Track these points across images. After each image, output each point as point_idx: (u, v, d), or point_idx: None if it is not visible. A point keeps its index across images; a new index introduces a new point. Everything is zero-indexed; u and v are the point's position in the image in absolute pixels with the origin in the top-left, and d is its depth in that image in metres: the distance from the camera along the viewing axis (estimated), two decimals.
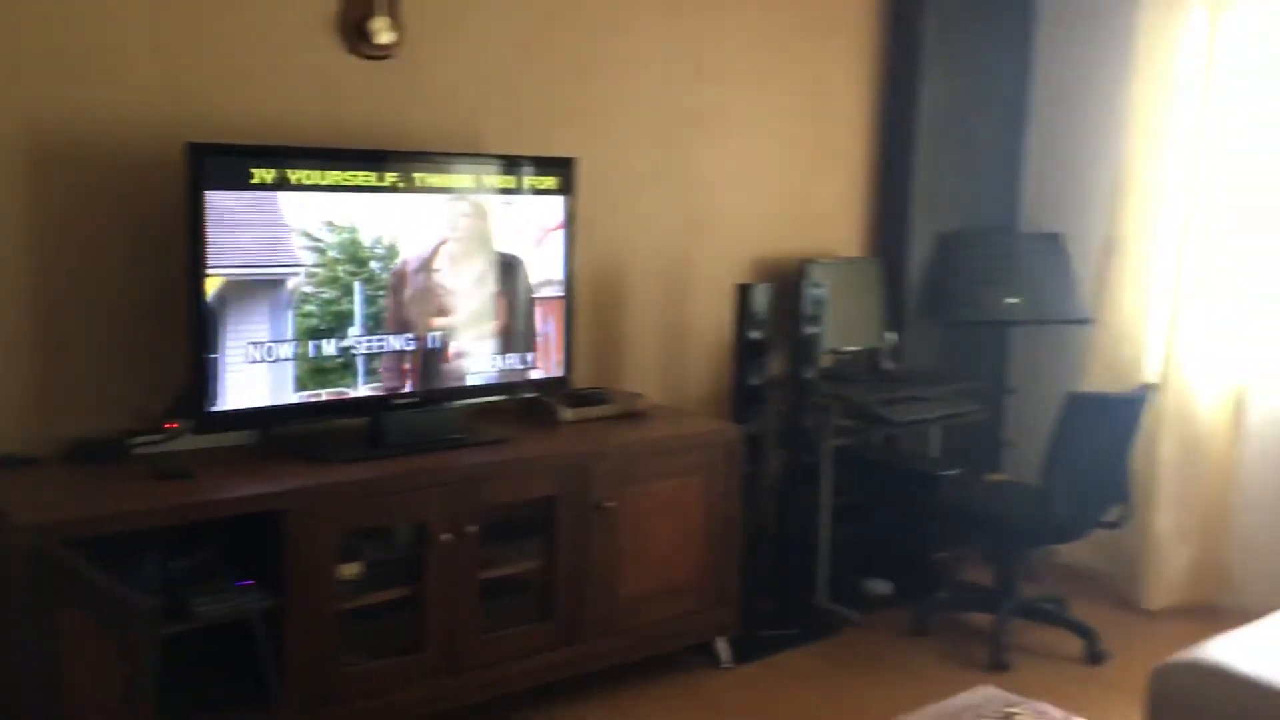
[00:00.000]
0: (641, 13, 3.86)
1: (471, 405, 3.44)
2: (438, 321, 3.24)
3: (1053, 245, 4.60)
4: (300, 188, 2.95)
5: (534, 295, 3.44)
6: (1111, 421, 3.74)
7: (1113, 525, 3.87)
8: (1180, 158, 4.18)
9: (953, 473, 4.21)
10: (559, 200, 3.46)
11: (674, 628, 3.55)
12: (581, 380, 3.71)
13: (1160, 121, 4.22)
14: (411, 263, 3.17)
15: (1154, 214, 4.26)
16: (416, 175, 3.16)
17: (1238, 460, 4.18)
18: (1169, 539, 4.22)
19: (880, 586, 4.25)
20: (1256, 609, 3.13)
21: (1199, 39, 4.11)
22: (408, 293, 3.17)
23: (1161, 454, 4.19)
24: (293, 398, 3.00)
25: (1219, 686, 2.55)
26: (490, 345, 3.37)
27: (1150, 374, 4.23)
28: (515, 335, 3.42)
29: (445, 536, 3.00)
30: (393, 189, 3.11)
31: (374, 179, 3.08)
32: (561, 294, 3.50)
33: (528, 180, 3.40)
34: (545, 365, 3.49)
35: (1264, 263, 4.10)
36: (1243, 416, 4.14)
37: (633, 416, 3.61)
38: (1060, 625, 3.95)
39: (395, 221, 3.13)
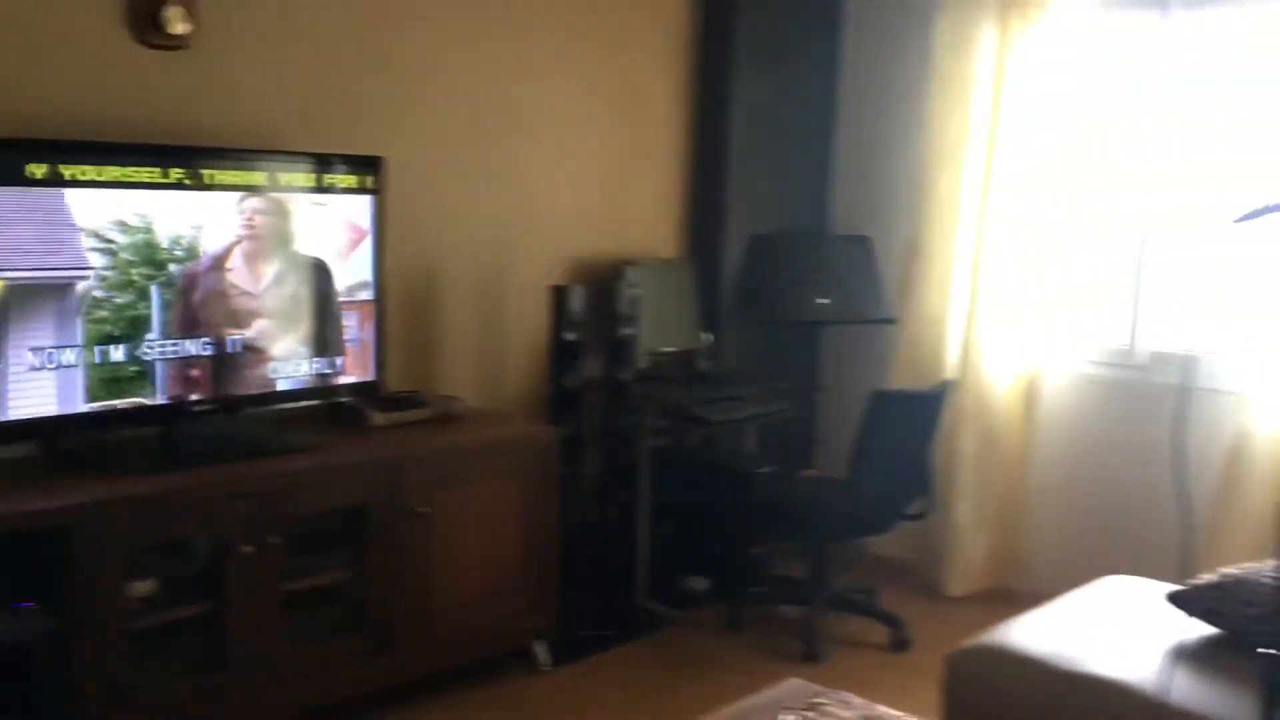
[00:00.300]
0: (452, 8, 3.81)
1: (278, 412, 3.33)
2: (235, 325, 3.12)
3: (861, 247, 4.75)
4: (82, 184, 2.79)
5: (342, 297, 3.35)
6: (913, 417, 3.89)
7: (917, 517, 4.03)
8: (975, 163, 4.38)
9: (767, 470, 4.30)
10: (367, 200, 3.38)
11: (491, 633, 3.51)
12: (395, 384, 3.63)
13: (956, 129, 4.41)
14: (203, 263, 3.04)
15: (952, 217, 4.45)
16: (206, 172, 3.02)
17: (1030, 452, 4.40)
18: (968, 528, 4.41)
19: (698, 583, 4.30)
20: (1048, 592, 3.30)
21: (990, 53, 4.32)
22: (198, 295, 3.03)
23: (961, 447, 4.38)
24: (83, 407, 2.84)
25: (1008, 667, 2.67)
26: (296, 349, 3.26)
27: (950, 371, 4.42)
28: (322, 339, 3.32)
29: (246, 549, 2.89)
30: (179, 186, 2.97)
31: (159, 175, 2.93)
32: (372, 296, 3.42)
33: (333, 179, 3.30)
34: (356, 369, 3.41)
35: (1047, 265, 4.33)
36: (1034, 411, 4.37)
37: (448, 420, 3.56)
38: (869, 615, 4.09)
39: (191, 221, 3.00)
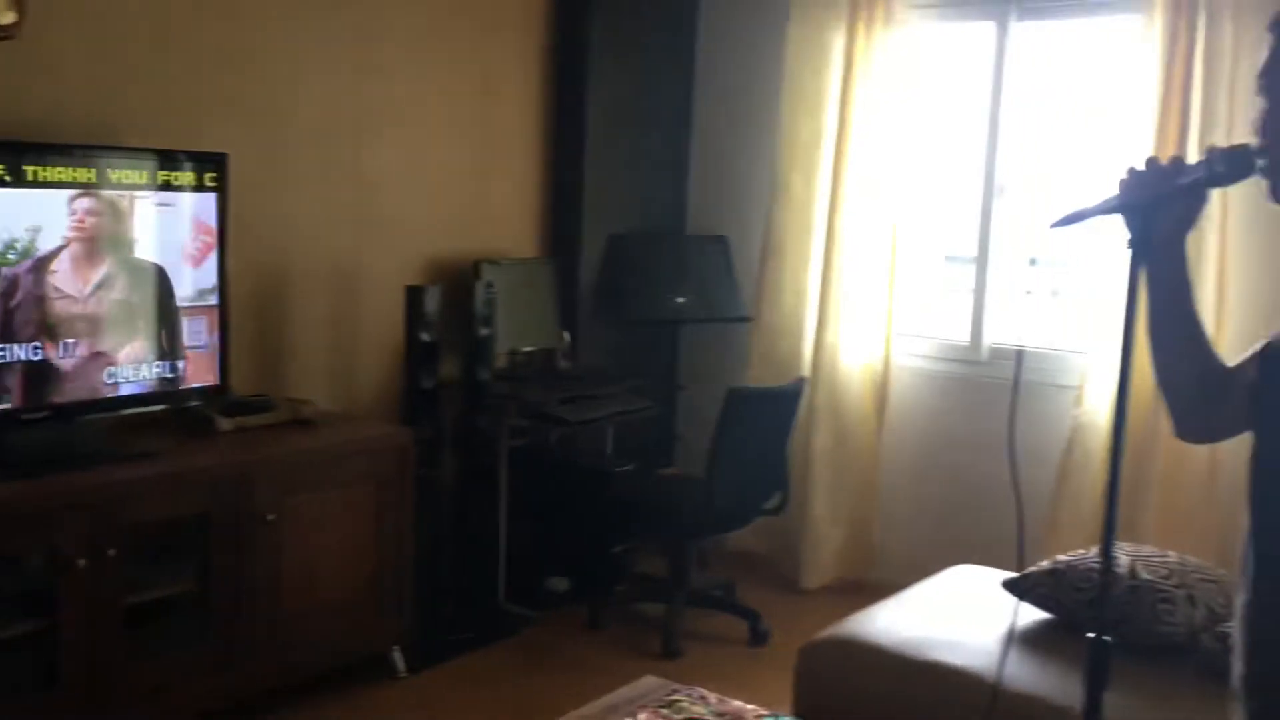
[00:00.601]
0: (299, 2, 3.72)
1: (118, 418, 3.19)
2: (61, 330, 2.97)
3: (718, 247, 4.81)
4: None
5: (185, 299, 3.24)
6: (769, 414, 3.96)
7: (773, 512, 4.10)
8: (827, 165, 4.47)
9: (626, 468, 4.32)
10: (211, 198, 3.27)
11: (346, 641, 3.44)
12: (244, 387, 3.53)
13: (809, 132, 4.50)
14: (24, 266, 2.88)
15: (806, 218, 4.54)
16: (30, 169, 2.87)
17: (881, 447, 4.52)
18: (823, 522, 4.51)
19: (559, 583, 4.30)
20: (899, 582, 3.40)
21: (840, 59, 4.42)
22: (17, 299, 2.87)
23: (816, 443, 4.48)
24: None
25: (856, 657, 2.75)
26: (135, 353, 3.14)
27: (805, 368, 4.51)
28: (163, 342, 3.20)
29: (81, 562, 2.77)
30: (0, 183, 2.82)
31: None
32: (216, 297, 3.31)
33: (173, 176, 3.18)
34: (200, 373, 3.30)
35: (896, 265, 4.45)
36: (885, 407, 4.49)
37: (298, 424, 3.47)
38: (728, 610, 4.15)
39: (23, 222, 2.85)
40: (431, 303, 3.75)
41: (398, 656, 3.60)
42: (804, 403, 4.26)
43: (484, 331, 3.95)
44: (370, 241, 4.00)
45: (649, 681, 2.68)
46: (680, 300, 4.64)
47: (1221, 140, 3.55)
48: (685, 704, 2.59)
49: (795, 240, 4.58)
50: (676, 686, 2.67)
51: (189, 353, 3.26)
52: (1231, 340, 3.63)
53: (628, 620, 4.13)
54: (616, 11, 4.60)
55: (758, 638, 4.01)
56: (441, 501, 3.92)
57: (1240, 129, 3.45)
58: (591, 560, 4.36)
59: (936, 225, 4.56)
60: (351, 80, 3.89)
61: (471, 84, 4.30)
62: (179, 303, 3.23)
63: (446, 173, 4.24)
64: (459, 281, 4.07)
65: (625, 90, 4.69)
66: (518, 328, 4.27)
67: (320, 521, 3.32)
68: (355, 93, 3.90)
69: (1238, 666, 1.49)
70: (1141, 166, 1.56)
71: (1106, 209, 1.59)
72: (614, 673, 3.57)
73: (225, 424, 3.32)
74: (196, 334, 3.28)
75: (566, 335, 4.45)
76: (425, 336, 3.75)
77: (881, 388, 4.47)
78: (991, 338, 4.40)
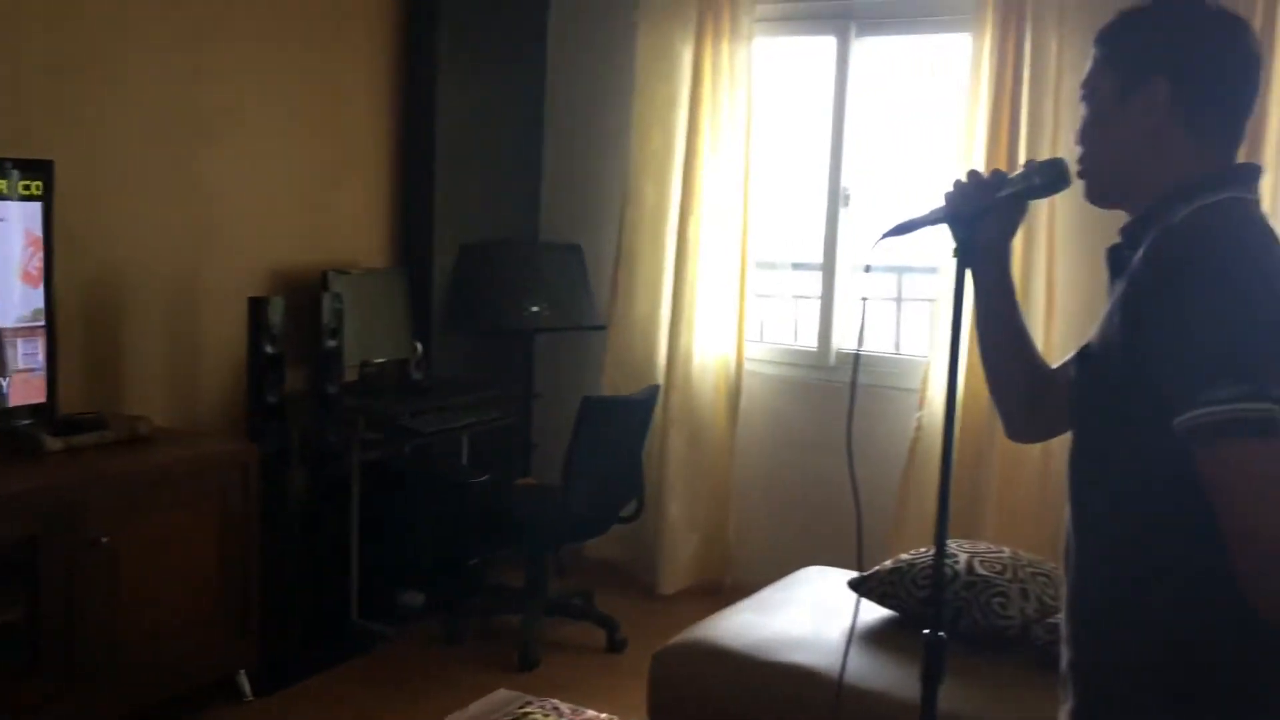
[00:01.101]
0: (132, 7, 3.58)
1: None
2: None
3: (571, 255, 4.81)
4: None
5: (20, 318, 3.08)
6: (623, 422, 3.98)
7: (630, 519, 4.12)
8: (679, 174, 4.52)
9: (482, 479, 4.28)
10: (34, 207, 3.12)
11: (189, 665, 3.31)
12: (74, 405, 3.37)
13: (660, 141, 4.55)
14: None
15: (659, 226, 4.59)
16: None
17: (735, 452, 4.58)
18: (679, 528, 4.55)
19: (414, 598, 4.23)
20: (754, 585, 3.44)
21: (689, 69, 4.47)
22: None
23: (670, 449, 4.52)
24: None
25: (707, 661, 2.78)
26: None
27: (659, 375, 4.55)
28: None
29: None
30: None
31: None
32: (41, 310, 3.15)
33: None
34: (25, 391, 3.13)
35: (748, 272, 4.52)
36: (738, 412, 4.55)
37: (134, 442, 3.33)
38: (586, 619, 4.14)
39: None
40: (276, 314, 3.65)
41: (244, 680, 3.48)
42: (658, 410, 4.29)
43: (331, 343, 3.86)
44: (210, 251, 3.87)
45: (501, 695, 2.66)
46: (534, 309, 4.62)
47: (1048, 151, 3.73)
48: (538, 716, 2.58)
49: (648, 248, 4.61)
50: (529, 699, 2.66)
51: (18, 373, 3.10)
52: (1060, 342, 3.81)
53: (485, 633, 4.09)
54: (466, 18, 4.57)
55: (615, 645, 4.02)
56: (290, 518, 3.82)
57: (1066, 139, 3.63)
58: (447, 573, 4.30)
59: (785, 233, 4.66)
60: (188, 84, 3.76)
61: (317, 89, 4.20)
62: (12, 322, 3.07)
63: (291, 180, 4.14)
64: (306, 292, 3.97)
65: (476, 97, 4.65)
66: (368, 339, 4.19)
67: (159, 543, 3.19)
68: (192, 97, 3.77)
69: (1065, 655, 1.56)
70: (965, 179, 1.63)
71: (933, 220, 1.65)
72: (470, 687, 3.53)
73: (53, 444, 3.16)
74: (31, 355, 3.12)
75: (419, 346, 4.38)
76: (270, 349, 3.64)
77: (734, 394, 4.53)
78: (839, 343, 4.51)
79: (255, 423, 3.66)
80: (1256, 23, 3.43)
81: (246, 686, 3.48)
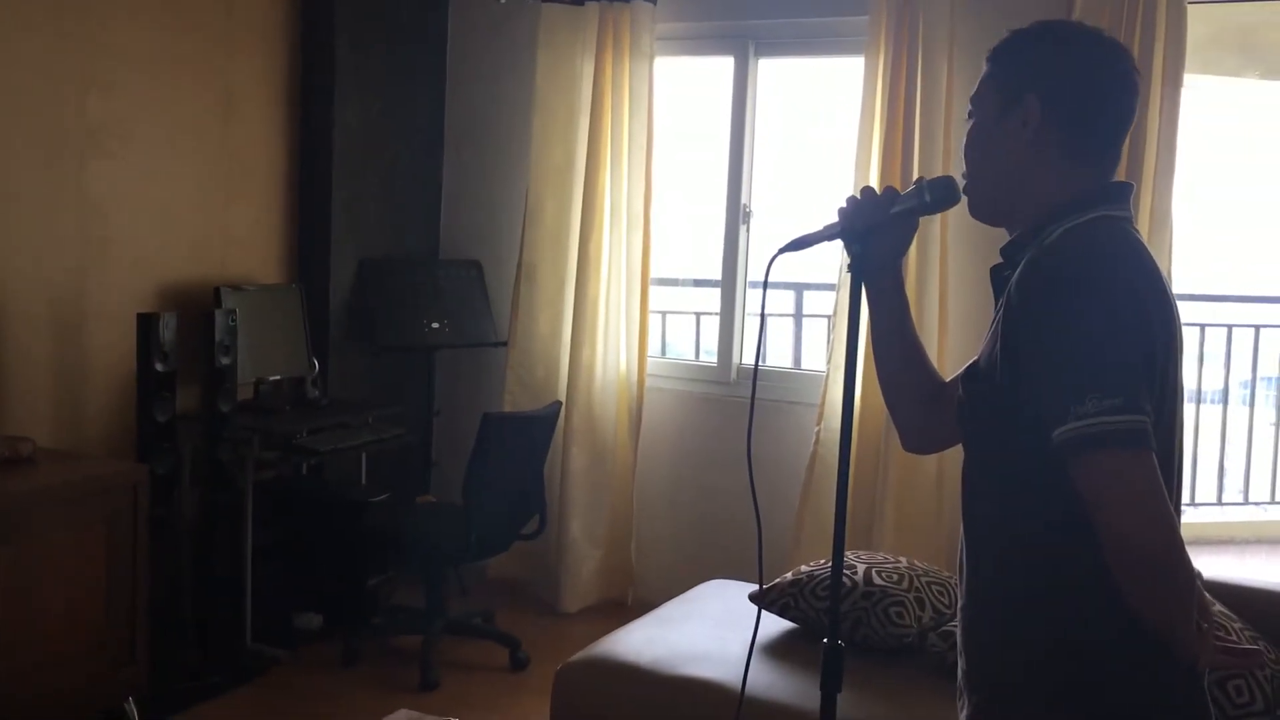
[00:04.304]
0: (15, 13, 3.46)
1: None
2: None
3: (472, 272, 4.78)
4: None
5: None
6: (525, 439, 3.95)
7: (531, 537, 4.10)
8: (578, 189, 4.52)
9: (381, 498, 4.21)
10: None
11: (73, 696, 3.19)
12: None
13: (561, 157, 4.55)
14: None
15: (560, 242, 4.58)
16: None
17: (638, 467, 4.59)
18: (581, 544, 4.54)
19: (310, 620, 4.14)
20: (657, 600, 3.45)
21: (589, 86, 4.49)
22: None
23: (572, 465, 4.50)
24: None
25: (610, 677, 2.77)
26: None
27: (560, 391, 4.53)
28: None
29: None
30: None
31: None
32: None
33: None
34: None
35: (649, 287, 4.55)
36: (640, 428, 4.56)
37: (15, 463, 3.20)
38: (488, 637, 4.11)
39: None
40: (167, 331, 3.56)
41: (131, 708, 3.36)
42: (560, 426, 4.28)
43: (225, 360, 3.77)
44: (97, 266, 3.75)
45: (401, 715, 2.61)
46: (434, 325, 4.58)
47: (940, 169, 3.83)
48: None
49: (549, 264, 4.61)
50: (427, 718, 2.61)
51: None
52: (954, 354, 3.91)
53: (384, 654, 4.02)
54: (364, 30, 4.52)
55: (518, 664, 3.98)
56: (180, 540, 3.71)
57: (957, 158, 3.71)
58: (345, 594, 4.22)
59: (687, 249, 4.70)
60: (75, 96, 3.64)
61: (210, 102, 4.11)
62: None
63: (183, 195, 4.04)
64: (198, 309, 3.87)
65: (375, 111, 4.60)
66: (263, 356, 4.10)
67: (42, 568, 3.07)
68: (78, 109, 3.66)
69: (961, 662, 1.59)
70: (859, 195, 1.66)
71: (828, 235, 1.67)
72: (368, 710, 3.47)
73: None
74: None
75: (316, 363, 4.31)
76: (160, 366, 3.55)
77: (636, 410, 4.54)
78: (740, 359, 4.55)
79: (145, 442, 3.56)
80: (1134, 47, 3.57)
81: (134, 714, 3.36)
